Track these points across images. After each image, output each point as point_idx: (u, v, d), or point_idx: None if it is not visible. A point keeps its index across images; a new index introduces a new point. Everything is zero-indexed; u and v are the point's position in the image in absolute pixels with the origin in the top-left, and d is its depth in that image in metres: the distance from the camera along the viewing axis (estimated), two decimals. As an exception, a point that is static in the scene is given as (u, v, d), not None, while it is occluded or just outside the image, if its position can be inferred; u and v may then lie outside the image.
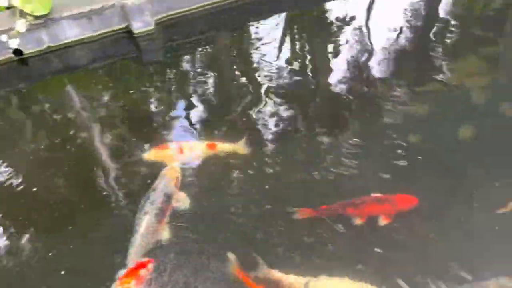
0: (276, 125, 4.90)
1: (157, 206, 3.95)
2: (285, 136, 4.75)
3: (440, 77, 5.13)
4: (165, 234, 3.83)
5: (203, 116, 5.15)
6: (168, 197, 4.06)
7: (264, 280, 3.52)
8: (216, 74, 5.76)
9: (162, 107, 5.34)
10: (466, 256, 3.54)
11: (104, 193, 4.38)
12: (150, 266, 3.58)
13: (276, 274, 3.51)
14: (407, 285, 3.37)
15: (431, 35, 5.91)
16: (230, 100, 5.42)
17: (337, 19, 6.35)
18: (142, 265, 3.58)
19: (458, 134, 4.48)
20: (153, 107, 5.39)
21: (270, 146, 4.65)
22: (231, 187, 4.28)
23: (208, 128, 4.98)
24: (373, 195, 3.92)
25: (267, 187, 4.23)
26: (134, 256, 3.68)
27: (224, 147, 4.55)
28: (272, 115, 5.01)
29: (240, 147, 4.55)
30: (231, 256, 3.64)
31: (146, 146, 4.72)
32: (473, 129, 4.49)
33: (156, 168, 4.45)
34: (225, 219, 4.00)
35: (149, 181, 4.33)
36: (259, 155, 4.53)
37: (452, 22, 6.13)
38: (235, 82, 5.65)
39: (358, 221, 3.81)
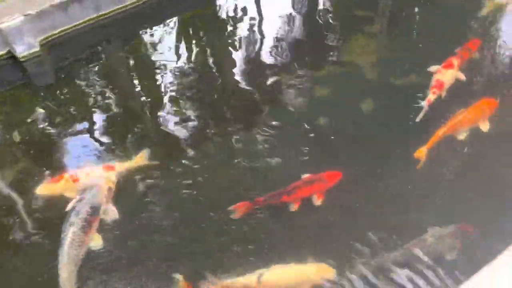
0: (186, 128, 4.91)
1: (83, 217, 3.88)
2: (198, 138, 4.78)
3: (334, 59, 5.55)
4: (94, 244, 3.84)
5: (104, 136, 4.94)
6: (95, 209, 3.98)
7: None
8: (114, 88, 5.55)
9: (59, 134, 5.00)
10: (396, 216, 3.95)
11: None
12: None
13: (226, 281, 3.53)
14: (351, 253, 3.68)
15: (319, 20, 6.26)
16: (132, 112, 5.27)
17: (228, 14, 6.47)
18: None
19: (361, 108, 4.90)
20: (48, 135, 5.00)
21: (186, 151, 4.63)
22: (157, 202, 4.21)
23: (110, 149, 4.78)
24: (303, 177, 4.13)
25: (195, 192, 4.25)
26: (64, 267, 3.66)
27: (124, 165, 4.38)
28: (181, 120, 5.00)
29: (143, 160, 4.42)
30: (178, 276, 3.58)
31: (41, 179, 4.38)
32: (373, 102, 4.93)
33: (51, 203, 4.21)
34: (161, 234, 3.97)
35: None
36: (175, 163, 4.49)
37: (335, 6, 6.52)
38: (135, 94, 5.52)
39: (294, 207, 4.00)
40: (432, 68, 4.78)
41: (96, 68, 5.76)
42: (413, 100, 4.77)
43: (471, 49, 4.99)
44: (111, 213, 4.06)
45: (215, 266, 3.65)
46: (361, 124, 4.76)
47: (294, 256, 3.64)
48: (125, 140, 4.86)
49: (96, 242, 3.86)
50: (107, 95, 5.43)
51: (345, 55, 5.53)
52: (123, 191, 4.27)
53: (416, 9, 6.32)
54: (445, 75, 4.61)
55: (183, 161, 4.51)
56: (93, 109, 5.27)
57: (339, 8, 6.49)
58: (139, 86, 5.60)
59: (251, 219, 3.98)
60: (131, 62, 5.94)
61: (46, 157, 4.78)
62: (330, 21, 6.24)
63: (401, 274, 3.50)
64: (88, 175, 4.27)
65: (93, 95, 5.42)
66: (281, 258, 3.64)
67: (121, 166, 4.36)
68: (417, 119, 4.43)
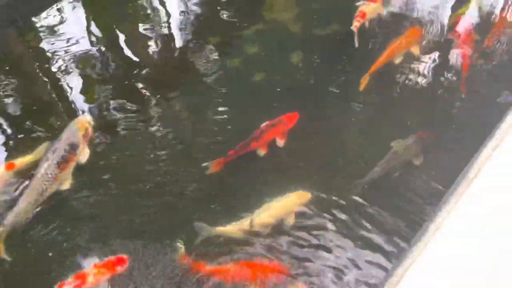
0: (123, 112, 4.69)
1: (59, 154, 3.89)
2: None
3: (258, 17, 5.63)
4: (67, 184, 3.87)
5: (7, 133, 4.56)
6: (72, 147, 3.98)
7: (212, 240, 3.56)
8: (12, 77, 5.04)
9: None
10: (357, 141, 4.30)
11: None
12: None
13: (220, 229, 3.60)
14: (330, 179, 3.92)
15: None
16: (34, 104, 4.84)
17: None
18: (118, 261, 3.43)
19: (291, 60, 5.12)
20: None
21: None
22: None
23: (13, 146, 4.42)
24: (263, 124, 4.24)
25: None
26: (28, 198, 3.69)
27: (26, 159, 4.08)
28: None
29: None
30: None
31: None
32: (300, 53, 5.18)
33: None
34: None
35: None
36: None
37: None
38: (36, 83, 5.08)
39: (262, 151, 4.13)
40: (359, 3, 5.22)
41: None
42: (338, 46, 5.13)
43: None
44: (86, 154, 4.07)
45: (204, 219, 3.65)
46: (295, 75, 4.99)
47: (277, 192, 3.77)
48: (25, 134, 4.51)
49: (66, 184, 3.87)
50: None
51: (268, 13, 5.71)
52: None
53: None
54: (368, 7, 5.10)
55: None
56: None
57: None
58: (40, 74, 5.17)
59: (228, 173, 4.02)
60: (28, 48, 5.48)
61: None
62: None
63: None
64: None
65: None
66: (266, 197, 3.76)
67: (23, 161, 4.06)
68: (356, 45, 4.86)
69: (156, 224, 3.74)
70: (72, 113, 4.60)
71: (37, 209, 3.79)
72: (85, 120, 4.21)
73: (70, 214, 3.83)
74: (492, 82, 4.62)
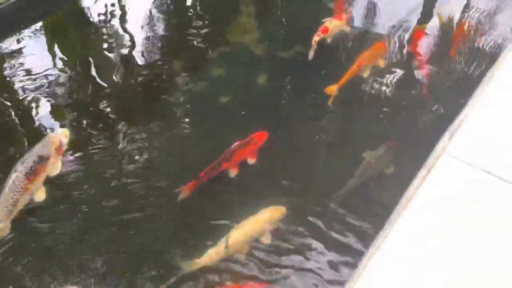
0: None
1: (28, 165, 3.84)
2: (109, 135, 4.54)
3: (222, 41, 5.68)
4: (41, 195, 3.84)
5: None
6: (42, 159, 3.92)
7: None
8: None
9: None
10: (328, 154, 4.32)
11: None
12: None
13: (198, 261, 3.50)
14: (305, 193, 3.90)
15: (197, 10, 6.42)
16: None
17: (92, 15, 6.17)
18: None
19: (258, 81, 5.15)
20: None
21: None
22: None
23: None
24: (233, 145, 4.21)
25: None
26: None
27: None
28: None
29: None
30: None
31: None
32: (266, 74, 5.20)
33: None
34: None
35: None
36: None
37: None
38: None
39: (233, 172, 4.10)
40: (325, 19, 5.35)
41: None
42: (301, 65, 5.20)
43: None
44: (58, 167, 4.02)
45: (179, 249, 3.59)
46: (261, 96, 5.01)
47: (251, 212, 3.73)
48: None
49: (40, 195, 3.84)
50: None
51: (233, 37, 5.75)
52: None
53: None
54: (332, 23, 5.22)
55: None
56: None
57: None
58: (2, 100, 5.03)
59: (201, 195, 3.95)
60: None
61: None
62: (208, 7, 6.36)
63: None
64: None
65: None
66: (240, 217, 3.71)
67: None
68: (309, 57, 5.00)
69: (122, 259, 3.63)
70: (35, 139, 4.47)
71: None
72: (61, 133, 4.16)
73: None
74: (449, 94, 4.75)
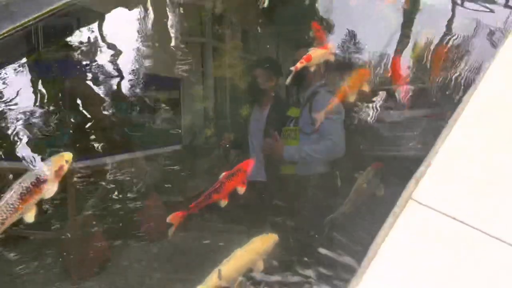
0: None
1: (25, 185, 3.60)
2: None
3: (205, 77, 5.76)
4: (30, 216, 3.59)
5: None
6: (39, 181, 3.70)
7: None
8: None
9: None
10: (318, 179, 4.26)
11: None
12: None
13: None
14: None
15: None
16: None
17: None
18: None
19: (241, 114, 5.19)
20: None
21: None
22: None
23: None
24: (223, 174, 4.07)
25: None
26: None
27: None
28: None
29: None
30: None
31: None
32: (249, 106, 5.20)
33: None
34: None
35: None
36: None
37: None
38: None
39: (223, 202, 3.91)
40: (310, 49, 5.31)
41: None
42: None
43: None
44: (53, 190, 3.69)
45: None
46: (246, 127, 4.98)
47: (243, 240, 3.55)
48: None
49: (30, 215, 3.59)
50: None
51: (216, 70, 5.84)
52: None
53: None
54: (316, 52, 5.23)
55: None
56: None
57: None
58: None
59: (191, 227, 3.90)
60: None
61: None
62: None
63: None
64: None
65: None
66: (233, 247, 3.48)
67: None
68: (286, 83, 4.87)
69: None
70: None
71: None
72: (64, 157, 4.00)
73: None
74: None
